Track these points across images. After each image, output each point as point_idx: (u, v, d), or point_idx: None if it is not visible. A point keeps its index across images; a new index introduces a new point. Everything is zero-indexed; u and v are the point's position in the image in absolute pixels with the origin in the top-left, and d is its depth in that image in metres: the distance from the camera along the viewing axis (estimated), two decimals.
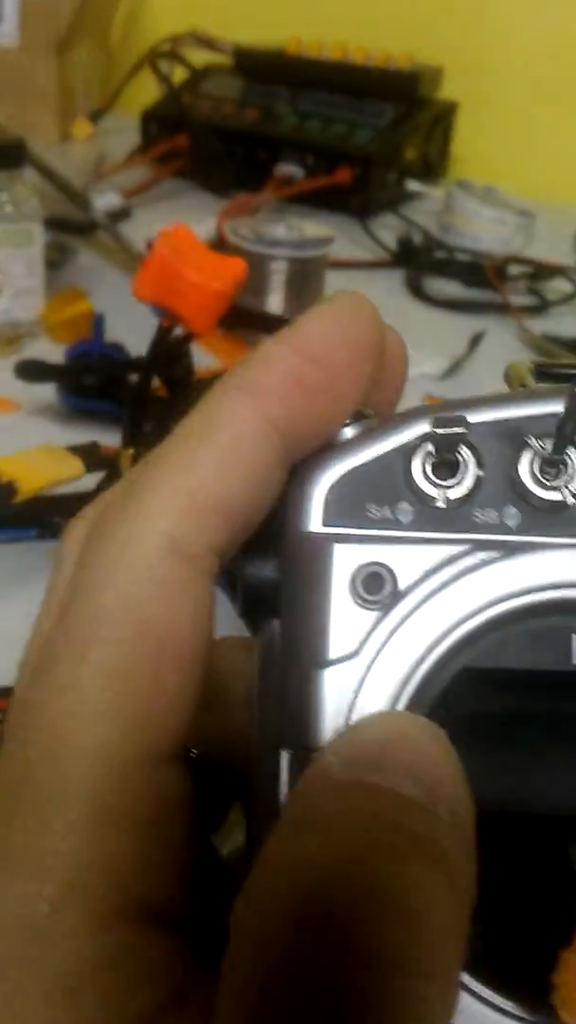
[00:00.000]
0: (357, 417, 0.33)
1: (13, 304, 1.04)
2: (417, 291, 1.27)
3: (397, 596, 0.30)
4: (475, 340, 1.10)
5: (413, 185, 1.56)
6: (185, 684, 0.29)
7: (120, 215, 1.35)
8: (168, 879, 0.28)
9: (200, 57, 1.66)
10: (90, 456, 0.68)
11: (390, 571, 0.30)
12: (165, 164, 1.53)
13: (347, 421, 0.32)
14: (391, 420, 0.32)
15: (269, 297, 1.02)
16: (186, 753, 0.36)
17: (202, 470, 0.30)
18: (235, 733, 0.36)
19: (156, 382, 0.76)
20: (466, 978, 0.29)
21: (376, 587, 0.30)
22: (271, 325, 0.80)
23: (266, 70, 1.60)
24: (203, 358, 0.99)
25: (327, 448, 0.32)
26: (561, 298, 1.27)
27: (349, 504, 0.31)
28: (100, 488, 0.66)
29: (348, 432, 0.32)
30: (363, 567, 0.30)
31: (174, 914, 0.28)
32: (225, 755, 0.37)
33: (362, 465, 0.31)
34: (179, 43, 1.62)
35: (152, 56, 1.57)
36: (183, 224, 0.62)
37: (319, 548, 0.31)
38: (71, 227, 1.29)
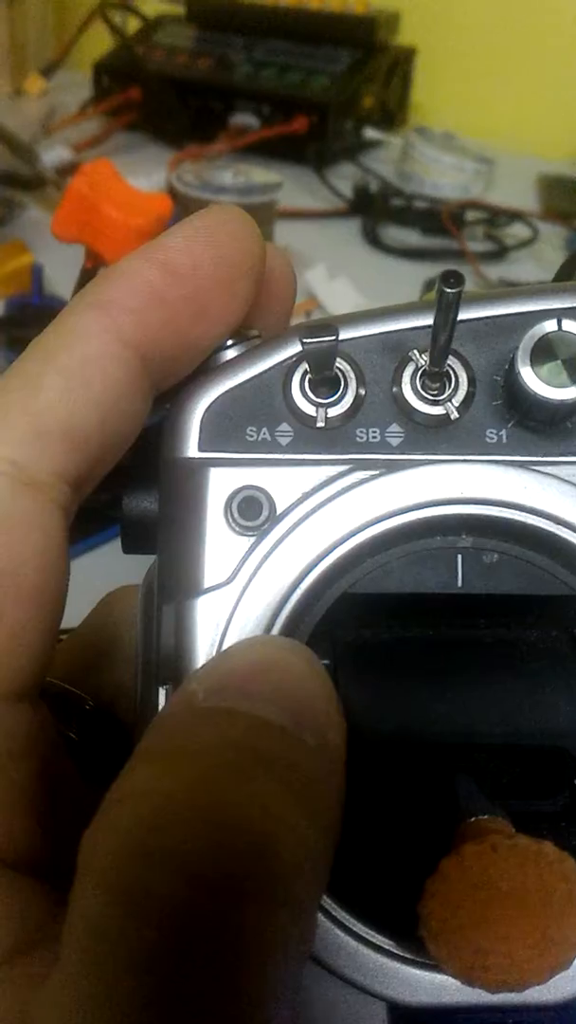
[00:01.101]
0: (241, 338, 0.31)
1: None
2: (373, 240, 1.25)
3: (274, 520, 0.29)
4: (428, 286, 1.08)
5: (371, 133, 1.53)
6: (29, 621, 0.27)
7: (70, 169, 1.32)
8: (16, 824, 0.27)
9: (152, 7, 1.62)
10: None
11: (267, 495, 0.29)
12: (117, 117, 1.50)
13: (229, 342, 0.31)
14: (269, 340, 0.31)
15: None
16: (63, 699, 0.34)
17: (48, 392, 0.28)
18: (131, 683, 0.35)
19: None
20: (337, 911, 0.27)
21: (253, 512, 0.29)
22: None
23: (219, 19, 1.57)
24: None
25: (205, 371, 0.31)
26: (519, 243, 1.25)
27: (226, 427, 0.30)
28: None
29: (229, 353, 0.31)
30: (238, 491, 0.29)
31: (27, 858, 0.27)
32: (126, 705, 0.36)
33: (239, 386, 0.30)
34: None
35: (104, 7, 1.54)
36: (104, 160, 0.60)
37: (194, 474, 0.29)
38: (19, 181, 1.26)
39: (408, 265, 1.21)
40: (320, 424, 0.29)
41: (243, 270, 0.30)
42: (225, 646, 0.28)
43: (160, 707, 0.29)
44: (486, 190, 1.42)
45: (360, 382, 0.30)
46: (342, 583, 0.29)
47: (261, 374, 0.30)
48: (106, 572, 0.66)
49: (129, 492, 0.32)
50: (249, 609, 0.28)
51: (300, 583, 0.28)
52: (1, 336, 0.85)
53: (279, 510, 0.29)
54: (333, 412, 0.29)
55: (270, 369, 0.30)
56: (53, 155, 1.32)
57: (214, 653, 0.28)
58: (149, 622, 0.32)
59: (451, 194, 1.37)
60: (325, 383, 0.29)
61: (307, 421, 0.29)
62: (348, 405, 0.29)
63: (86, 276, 0.60)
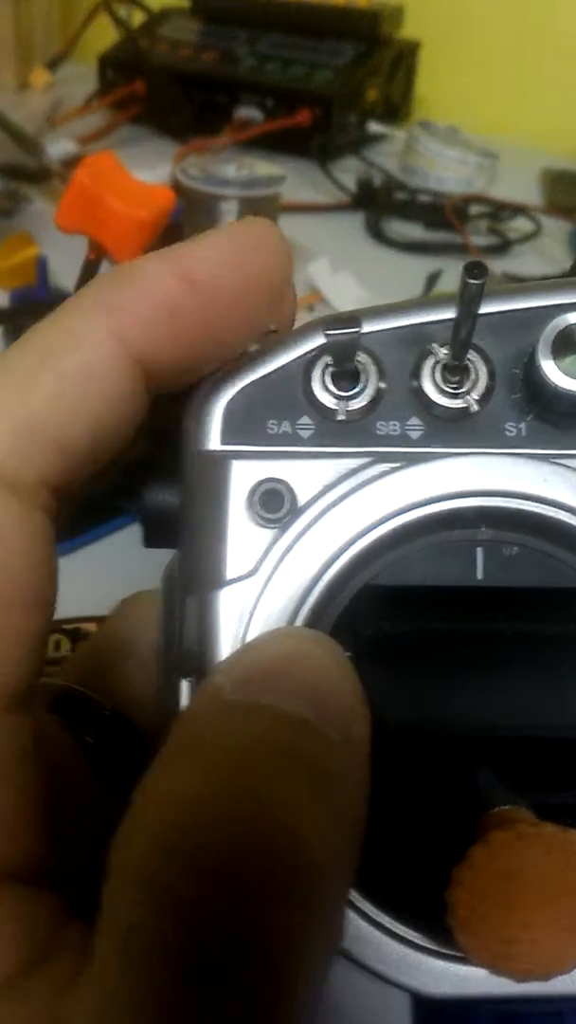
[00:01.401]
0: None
1: None
2: (377, 233, 1.25)
3: (296, 513, 0.29)
4: (431, 280, 1.08)
5: (375, 127, 1.53)
6: (18, 628, 0.27)
7: (75, 161, 1.31)
8: (20, 832, 0.27)
9: (157, 0, 1.62)
10: None
11: (288, 487, 0.29)
12: (122, 110, 1.50)
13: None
14: (290, 333, 0.31)
15: None
16: (63, 704, 0.34)
17: (40, 394, 0.27)
18: (150, 687, 0.34)
19: None
20: (361, 902, 0.27)
21: (274, 504, 0.29)
22: None
23: (224, 12, 1.57)
24: None
25: (225, 363, 0.31)
26: (522, 237, 1.24)
27: (247, 420, 0.30)
28: None
29: (251, 347, 0.31)
30: (261, 483, 0.29)
31: (33, 866, 0.27)
32: (142, 710, 0.36)
33: (260, 379, 0.30)
34: None
35: (108, 0, 1.53)
36: (108, 152, 0.60)
37: (216, 466, 0.29)
38: (25, 174, 1.26)
39: (411, 259, 1.21)
40: (341, 417, 0.30)
41: (265, 291, 0.29)
42: (249, 638, 0.28)
43: (183, 699, 0.29)
44: (490, 184, 1.42)
45: (380, 375, 0.30)
46: (364, 575, 0.29)
47: (283, 367, 0.30)
48: (112, 563, 0.66)
49: (150, 485, 0.32)
50: (272, 600, 0.28)
51: (323, 575, 0.28)
52: (7, 328, 0.85)
53: (301, 502, 0.29)
54: (354, 405, 0.30)
55: (292, 362, 0.30)
56: (58, 148, 1.32)
57: (238, 645, 0.28)
58: (171, 615, 0.32)
59: (455, 188, 1.37)
60: (346, 376, 0.30)
61: (328, 414, 0.30)
62: (369, 398, 0.30)
63: (89, 267, 0.60)
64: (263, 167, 1.01)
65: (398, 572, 0.29)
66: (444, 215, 1.25)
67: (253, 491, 0.29)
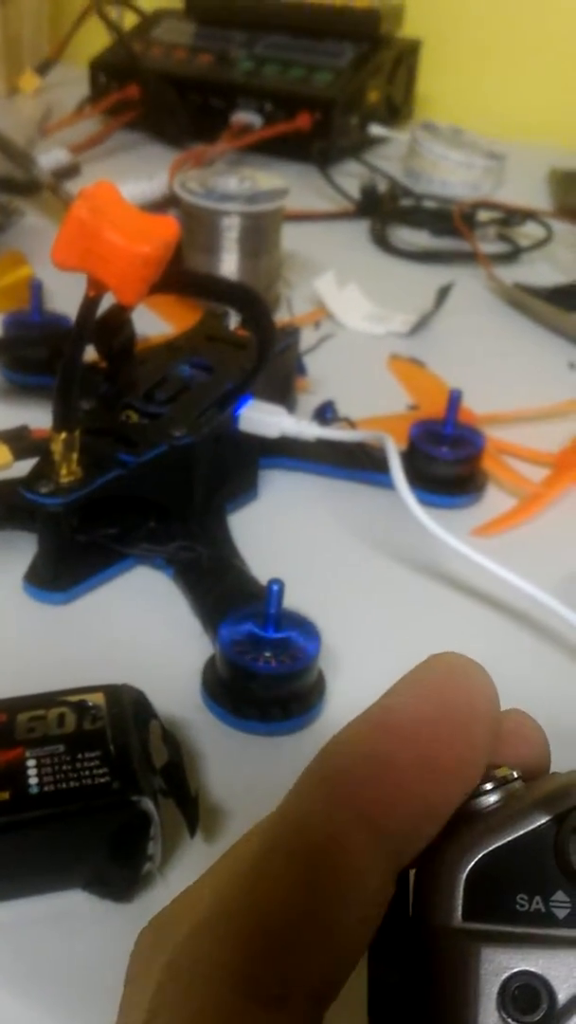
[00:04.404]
0: (498, 782, 0.27)
1: None
2: (382, 242, 1.21)
3: (555, 1016, 0.24)
4: (442, 293, 1.04)
5: (377, 129, 1.49)
6: None
7: (68, 172, 1.28)
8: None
9: (150, 2, 1.58)
10: (19, 442, 0.62)
11: (544, 983, 0.24)
12: (116, 116, 1.46)
13: (488, 786, 0.27)
14: (539, 783, 0.27)
15: (222, 255, 0.96)
16: None
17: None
18: None
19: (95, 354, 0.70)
20: None
21: (530, 1004, 0.24)
22: (223, 291, 0.74)
23: (219, 13, 1.52)
24: (153, 323, 0.93)
25: (463, 822, 0.26)
26: (533, 243, 1.20)
27: (493, 893, 0.25)
28: (35, 476, 0.61)
29: (489, 799, 0.27)
30: (513, 978, 0.24)
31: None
32: None
33: (507, 844, 0.26)
34: None
35: (99, 2, 1.49)
36: (106, 181, 0.56)
37: (460, 951, 0.25)
38: (17, 187, 1.21)
39: (419, 269, 1.17)
40: None
41: (473, 720, 0.27)
42: None
43: None
44: (496, 187, 1.38)
45: None
46: None
47: (533, 830, 0.26)
48: (114, 608, 0.63)
49: (377, 961, 0.27)
50: None
51: None
52: (7, 358, 0.81)
53: (560, 1002, 0.24)
54: None
55: (544, 824, 0.26)
56: (50, 158, 1.28)
57: None
58: None
59: (461, 192, 1.33)
60: None
61: None
62: None
63: (89, 304, 0.56)
64: (265, 179, 0.97)
65: None
66: (451, 222, 1.21)
67: (504, 986, 0.24)
